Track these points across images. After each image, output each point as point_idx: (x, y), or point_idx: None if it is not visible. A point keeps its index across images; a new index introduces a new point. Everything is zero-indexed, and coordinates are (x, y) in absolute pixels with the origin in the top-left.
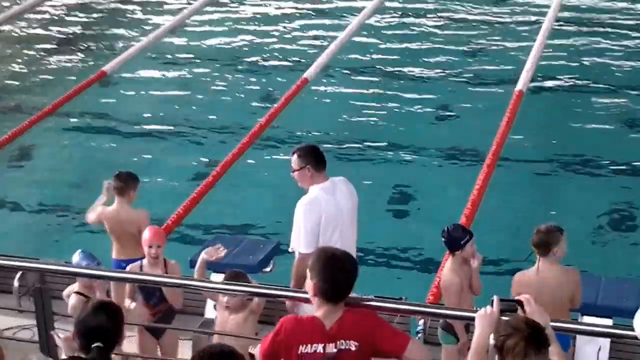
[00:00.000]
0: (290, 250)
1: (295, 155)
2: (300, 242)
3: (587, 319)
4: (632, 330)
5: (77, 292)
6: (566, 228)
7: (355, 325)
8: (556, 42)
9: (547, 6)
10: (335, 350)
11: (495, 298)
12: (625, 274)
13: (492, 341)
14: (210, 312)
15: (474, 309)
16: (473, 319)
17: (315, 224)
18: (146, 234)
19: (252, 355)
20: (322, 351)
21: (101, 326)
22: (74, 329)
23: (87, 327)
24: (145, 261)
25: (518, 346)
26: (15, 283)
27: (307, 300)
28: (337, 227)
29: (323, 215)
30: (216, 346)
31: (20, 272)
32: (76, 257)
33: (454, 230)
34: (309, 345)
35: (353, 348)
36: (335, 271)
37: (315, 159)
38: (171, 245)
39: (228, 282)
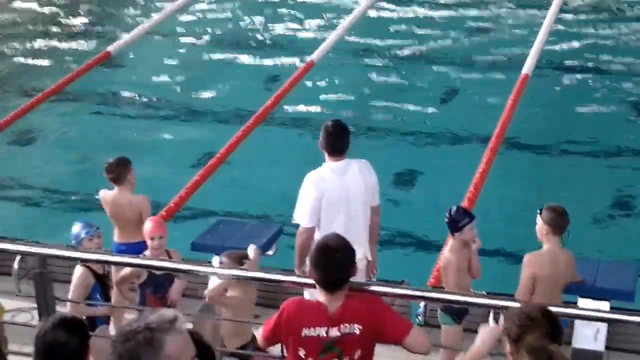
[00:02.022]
0: (293, 221)
1: (321, 129)
2: (297, 214)
3: (584, 301)
4: (630, 314)
5: (84, 265)
6: (568, 211)
7: (359, 310)
8: (562, 26)
9: None
10: (338, 334)
11: (501, 316)
12: (623, 258)
13: (501, 327)
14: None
15: (472, 292)
16: (471, 303)
17: (316, 201)
18: (147, 226)
19: (254, 337)
20: (325, 335)
21: (62, 344)
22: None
23: (45, 344)
24: (148, 252)
25: (536, 342)
26: (15, 266)
27: (311, 286)
28: (342, 209)
29: (325, 194)
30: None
31: (20, 256)
32: (76, 228)
33: (455, 213)
34: (312, 329)
35: (357, 332)
36: (326, 263)
37: (328, 140)
38: (173, 228)
39: (233, 267)
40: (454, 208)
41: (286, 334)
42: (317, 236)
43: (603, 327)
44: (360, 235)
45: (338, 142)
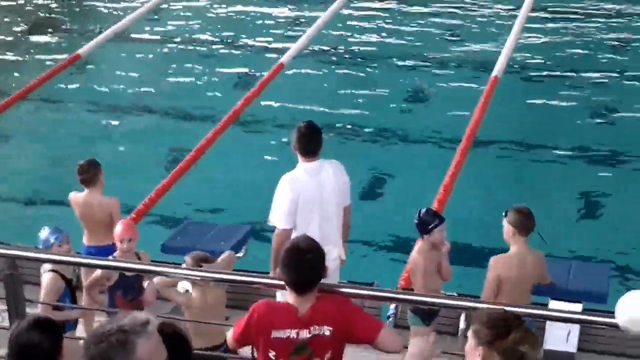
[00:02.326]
0: (268, 222)
1: (293, 131)
2: (277, 217)
3: (556, 303)
4: (603, 316)
5: (53, 270)
6: (537, 213)
7: (329, 311)
8: (533, 27)
9: None
10: (308, 335)
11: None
12: (594, 259)
13: (470, 331)
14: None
15: (443, 293)
16: (441, 305)
17: (292, 202)
18: (118, 229)
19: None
20: (295, 336)
21: (35, 345)
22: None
23: (19, 345)
24: (116, 254)
25: (508, 344)
26: None
27: (282, 287)
28: (317, 209)
29: (301, 195)
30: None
31: None
32: (45, 234)
33: (425, 214)
34: (282, 330)
35: (327, 333)
36: (297, 264)
37: (301, 142)
38: (143, 230)
39: (204, 269)
40: (424, 210)
41: (256, 335)
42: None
43: (575, 328)
44: (334, 236)
45: (311, 143)
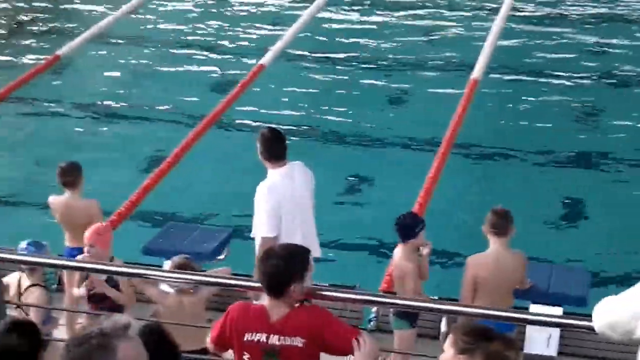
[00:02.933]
0: (252, 235)
1: (256, 139)
2: (262, 226)
3: (536, 307)
4: (583, 319)
5: (37, 284)
6: (517, 216)
7: (302, 322)
8: (512, 30)
9: None
10: (278, 342)
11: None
12: (574, 263)
13: (447, 342)
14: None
15: (429, 297)
16: (427, 308)
17: (275, 208)
18: (86, 233)
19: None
20: (265, 340)
21: (13, 348)
22: None
23: None
24: (80, 257)
25: (492, 348)
26: None
27: (261, 290)
28: (297, 211)
29: (282, 199)
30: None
31: None
32: (23, 246)
33: (409, 219)
34: (253, 334)
35: (299, 344)
36: (263, 268)
37: (268, 147)
38: (124, 233)
39: (179, 271)
40: (405, 215)
41: (230, 337)
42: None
43: (555, 332)
44: (313, 237)
45: (279, 146)
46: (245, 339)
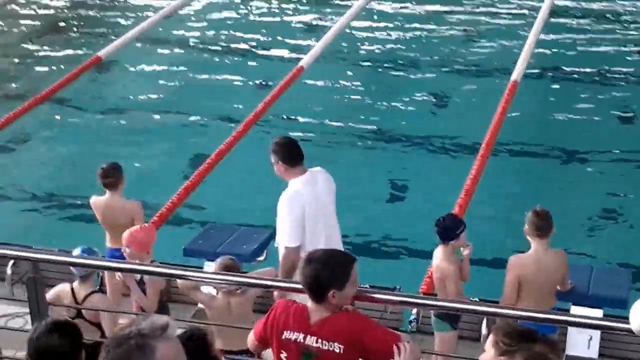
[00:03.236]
0: (275, 245)
1: (271, 150)
2: (285, 236)
3: (577, 309)
4: (623, 322)
5: (94, 292)
6: (558, 217)
7: (341, 327)
8: (551, 32)
9: None
10: (316, 344)
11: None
12: (616, 264)
13: (488, 342)
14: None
15: (470, 299)
16: (468, 310)
17: (300, 217)
18: (124, 234)
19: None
20: (302, 340)
21: (54, 348)
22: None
23: (38, 348)
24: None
25: (540, 356)
26: (8, 271)
27: (299, 291)
28: (321, 217)
29: (306, 207)
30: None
31: (13, 261)
32: (76, 254)
33: (449, 221)
34: (292, 332)
35: (337, 350)
36: (306, 270)
37: (288, 155)
38: (165, 233)
39: (222, 272)
40: (446, 216)
41: (271, 333)
42: (303, 252)
43: (596, 334)
44: (338, 243)
45: (297, 151)
46: (283, 336)
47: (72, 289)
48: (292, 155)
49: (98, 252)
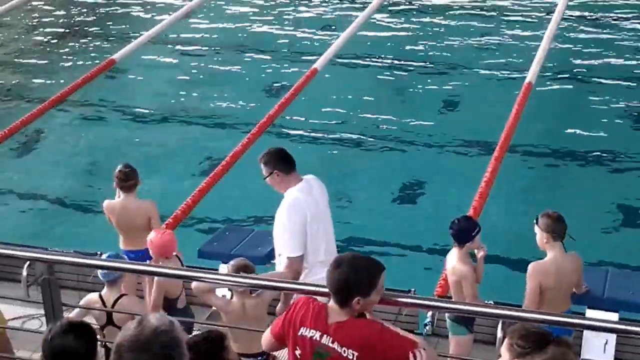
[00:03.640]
0: (277, 255)
1: (262, 163)
2: (288, 247)
3: (593, 312)
4: (638, 325)
5: (123, 294)
6: (574, 221)
7: (356, 334)
8: (566, 34)
9: None
10: (331, 345)
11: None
12: (632, 268)
13: (504, 346)
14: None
15: (485, 301)
16: (483, 314)
17: (302, 225)
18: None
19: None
20: (318, 339)
21: (70, 348)
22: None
23: (53, 349)
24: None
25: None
26: (24, 273)
27: (314, 293)
28: (321, 224)
29: (307, 215)
30: (202, 337)
31: (28, 262)
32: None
33: (464, 223)
34: (308, 329)
35: (351, 357)
36: (333, 273)
37: (282, 163)
38: (180, 236)
39: (236, 274)
40: (460, 219)
41: (288, 329)
42: (305, 262)
43: (612, 338)
44: (334, 250)
45: (289, 157)
46: (300, 333)
47: (101, 296)
48: (286, 162)
49: (125, 257)
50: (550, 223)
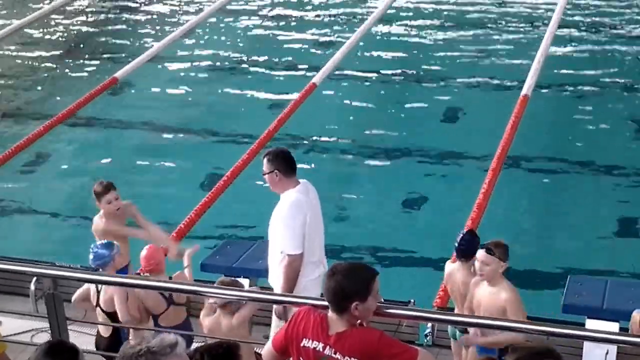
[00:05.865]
0: (287, 253)
1: (265, 159)
2: (288, 245)
3: (593, 322)
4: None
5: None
6: (571, 231)
7: (357, 343)
8: (561, 46)
9: (552, 9)
10: (334, 356)
11: None
12: (631, 278)
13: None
14: None
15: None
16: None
17: (302, 224)
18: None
19: (258, 355)
20: (321, 350)
21: None
22: None
23: None
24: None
25: None
26: (32, 287)
27: (320, 307)
28: (317, 227)
29: (308, 215)
30: (217, 343)
31: (35, 277)
32: (99, 251)
33: (469, 237)
34: (311, 340)
35: None
36: (329, 282)
37: (284, 164)
38: None
39: (224, 287)
40: (465, 233)
41: (291, 340)
42: (306, 259)
43: (613, 348)
44: (324, 250)
45: (293, 160)
46: (302, 344)
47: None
48: (288, 165)
49: (116, 244)
50: (506, 250)
